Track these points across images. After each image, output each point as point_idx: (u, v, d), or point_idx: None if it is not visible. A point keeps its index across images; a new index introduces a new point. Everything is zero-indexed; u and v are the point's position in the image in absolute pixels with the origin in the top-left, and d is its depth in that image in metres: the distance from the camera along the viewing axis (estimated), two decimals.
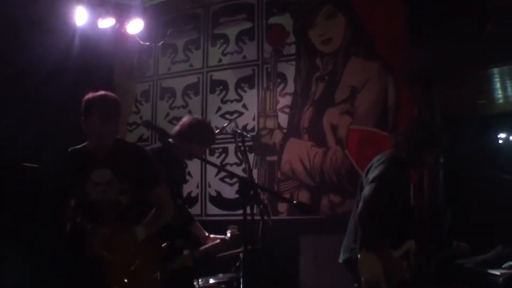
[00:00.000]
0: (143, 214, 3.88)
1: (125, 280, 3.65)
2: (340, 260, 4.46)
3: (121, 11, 6.65)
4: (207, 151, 6.78)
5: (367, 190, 4.23)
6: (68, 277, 3.71)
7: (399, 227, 4.31)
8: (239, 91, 7.01)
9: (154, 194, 3.89)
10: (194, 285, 4.73)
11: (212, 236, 4.82)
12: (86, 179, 3.71)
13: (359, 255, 4.16)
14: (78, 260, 3.65)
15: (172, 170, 4.51)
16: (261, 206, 3.91)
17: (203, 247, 4.71)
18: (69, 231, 3.75)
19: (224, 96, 7.11)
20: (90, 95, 3.76)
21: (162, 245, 3.93)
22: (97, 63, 7.03)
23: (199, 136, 4.66)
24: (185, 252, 4.50)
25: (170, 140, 4.62)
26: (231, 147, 6.83)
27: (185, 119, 4.74)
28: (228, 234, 4.75)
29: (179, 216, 4.65)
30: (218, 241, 4.73)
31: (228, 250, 4.80)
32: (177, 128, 4.72)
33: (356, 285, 4.20)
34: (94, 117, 3.68)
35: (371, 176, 4.29)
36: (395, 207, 4.29)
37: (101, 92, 3.77)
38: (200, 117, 4.87)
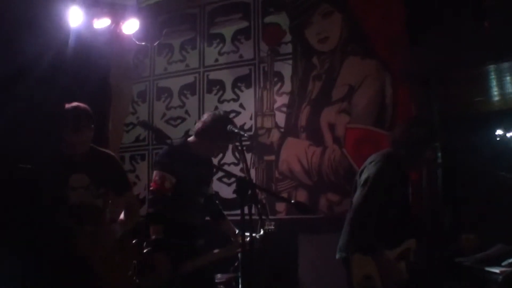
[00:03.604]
0: None
1: (108, 276, 3.87)
2: (337, 256, 4.43)
3: (117, 11, 6.63)
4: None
5: (358, 192, 4.19)
6: (59, 277, 3.76)
7: (397, 227, 4.28)
8: (236, 90, 7.00)
9: (125, 198, 4.25)
10: (215, 283, 4.77)
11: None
12: (65, 183, 3.89)
13: (351, 258, 4.14)
14: (67, 259, 3.77)
15: (190, 168, 4.49)
16: (259, 206, 3.89)
17: (230, 247, 4.69)
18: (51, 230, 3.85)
19: (221, 95, 7.09)
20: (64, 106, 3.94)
21: (133, 242, 4.15)
22: (93, 64, 7.00)
23: (223, 133, 4.58)
24: (215, 251, 4.52)
25: (191, 138, 4.63)
26: (229, 147, 6.79)
27: (207, 116, 4.65)
28: (261, 232, 4.72)
29: (201, 214, 4.64)
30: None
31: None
32: (199, 125, 4.63)
33: None
34: (67, 129, 3.86)
35: (363, 177, 4.24)
36: (391, 207, 4.25)
37: (73, 104, 3.98)
38: (221, 112, 4.80)
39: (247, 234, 4.63)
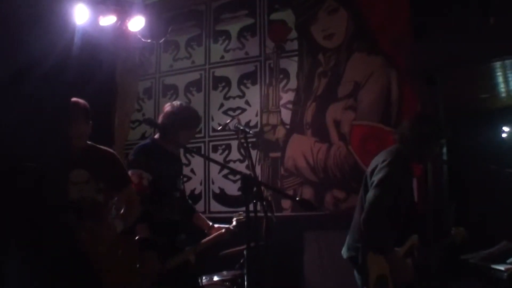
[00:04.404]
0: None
1: (113, 271, 3.87)
2: (344, 256, 4.41)
3: (122, 8, 6.62)
4: (210, 147, 6.79)
5: (372, 193, 4.11)
6: (60, 272, 3.78)
7: (403, 223, 4.27)
8: (242, 87, 7.00)
9: (125, 193, 4.21)
10: (198, 282, 4.72)
11: (216, 225, 4.80)
12: (66, 179, 3.90)
13: (367, 257, 4.13)
14: (68, 254, 3.75)
15: (164, 164, 4.51)
16: (264, 203, 3.89)
17: (205, 239, 4.70)
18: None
19: (227, 92, 7.09)
20: None
21: (136, 238, 4.14)
22: (99, 61, 7.00)
23: (185, 120, 4.61)
24: (187, 248, 4.51)
25: (156, 135, 4.66)
26: (234, 144, 6.81)
27: (166, 108, 4.67)
28: (234, 223, 4.74)
29: (179, 209, 4.65)
30: (223, 230, 4.71)
31: (233, 238, 4.80)
32: (159, 119, 4.66)
33: None
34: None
35: (376, 178, 4.17)
36: (400, 204, 4.24)
37: (73, 99, 4.01)
38: (179, 102, 4.79)
39: (221, 226, 4.74)
